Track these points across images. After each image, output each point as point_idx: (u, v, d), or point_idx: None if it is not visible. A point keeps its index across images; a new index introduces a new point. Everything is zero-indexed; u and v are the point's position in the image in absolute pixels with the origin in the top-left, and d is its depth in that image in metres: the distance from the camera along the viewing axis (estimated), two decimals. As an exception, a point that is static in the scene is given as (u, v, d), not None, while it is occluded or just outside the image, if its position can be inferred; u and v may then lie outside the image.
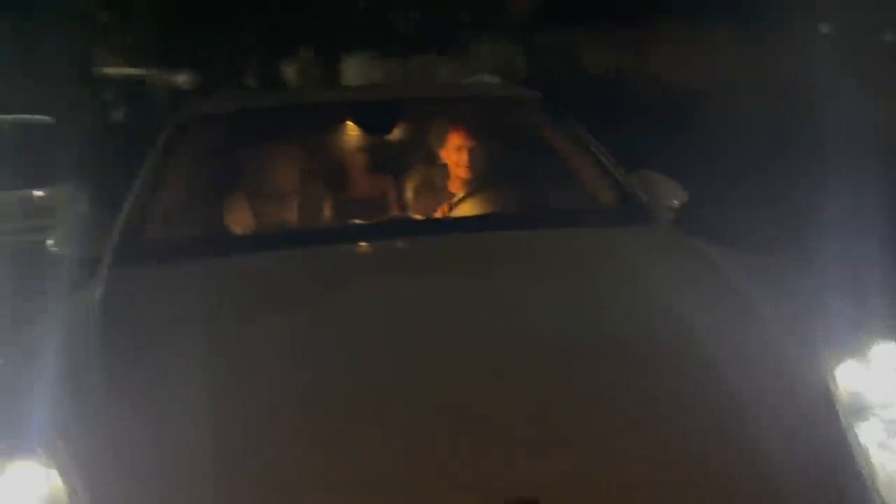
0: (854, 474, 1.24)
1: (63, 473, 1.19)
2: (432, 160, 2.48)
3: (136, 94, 11.10)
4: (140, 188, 2.15)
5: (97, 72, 11.18)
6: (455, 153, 2.44)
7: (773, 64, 7.50)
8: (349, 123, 2.55)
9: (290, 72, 12.17)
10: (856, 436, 1.29)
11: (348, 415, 1.26)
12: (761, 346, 1.43)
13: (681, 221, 2.28)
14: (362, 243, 2.06)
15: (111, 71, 11.27)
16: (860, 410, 1.34)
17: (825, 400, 1.32)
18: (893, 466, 1.28)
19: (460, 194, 2.36)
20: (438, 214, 2.34)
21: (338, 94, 3.66)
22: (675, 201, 2.23)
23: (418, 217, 2.33)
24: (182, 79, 11.28)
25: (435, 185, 2.43)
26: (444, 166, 2.45)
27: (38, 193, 5.39)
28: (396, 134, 2.59)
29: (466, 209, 2.32)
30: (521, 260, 1.87)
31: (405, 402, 1.29)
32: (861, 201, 4.21)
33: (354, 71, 11.32)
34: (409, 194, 2.48)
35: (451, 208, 2.34)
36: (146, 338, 1.52)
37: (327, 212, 2.37)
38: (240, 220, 2.33)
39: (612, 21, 9.52)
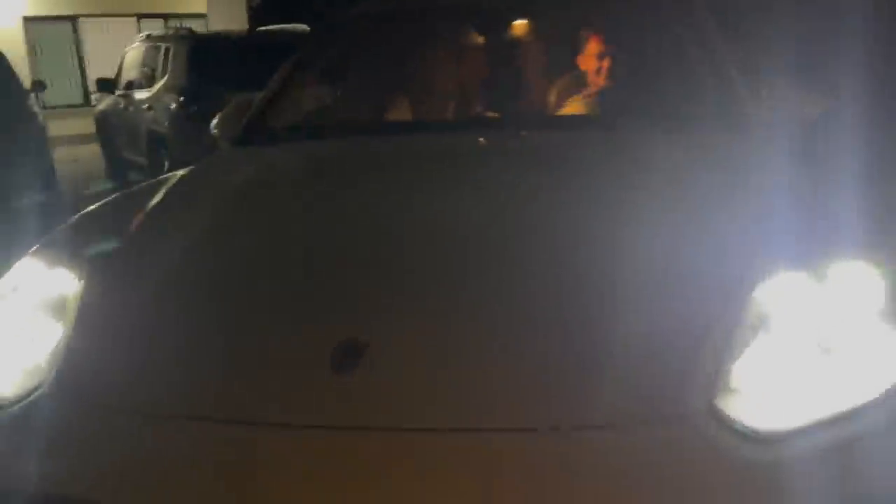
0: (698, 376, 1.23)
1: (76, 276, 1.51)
2: (551, 60, 2.68)
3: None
4: (277, 78, 2.62)
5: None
6: (577, 53, 2.62)
7: None
8: (473, 24, 2.77)
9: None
10: (734, 343, 1.26)
11: (269, 273, 1.51)
12: (693, 248, 1.46)
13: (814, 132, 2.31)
14: (438, 136, 2.32)
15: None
16: (789, 326, 1.31)
17: (723, 302, 1.31)
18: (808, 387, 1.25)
19: (571, 96, 2.56)
20: (548, 113, 2.56)
21: None
22: (807, 112, 2.26)
23: (497, 115, 2.54)
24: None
25: (547, 84, 2.63)
26: (565, 66, 2.63)
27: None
28: (519, 34, 2.80)
29: (573, 109, 2.53)
30: (562, 158, 2.04)
31: (312, 266, 1.50)
32: None
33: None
34: (524, 92, 2.68)
35: (558, 108, 2.56)
36: (194, 194, 2.00)
37: (439, 106, 2.63)
38: (362, 111, 2.73)
39: None
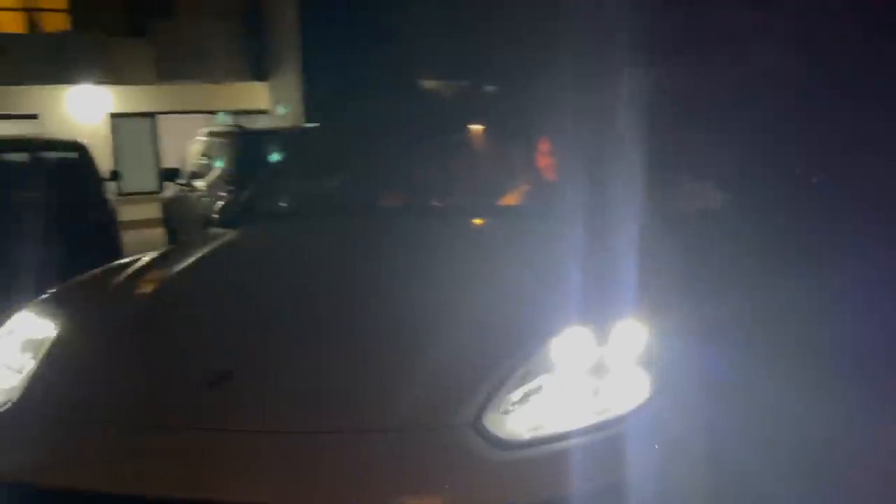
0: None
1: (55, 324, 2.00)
2: (466, 158, 3.20)
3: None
4: (261, 175, 3.19)
5: (420, 85, 13.33)
6: (475, 152, 3.16)
7: None
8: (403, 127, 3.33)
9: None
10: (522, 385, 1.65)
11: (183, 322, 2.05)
12: (498, 309, 1.90)
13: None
14: (364, 219, 2.81)
15: (430, 84, 13.34)
16: (568, 369, 1.68)
17: (513, 347, 1.73)
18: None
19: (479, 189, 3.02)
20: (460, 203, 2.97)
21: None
22: (708, 205, 2.76)
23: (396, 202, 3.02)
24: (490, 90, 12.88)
25: (450, 180, 3.10)
26: (472, 164, 3.13)
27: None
28: (438, 136, 3.31)
29: (506, 200, 2.94)
30: (429, 241, 2.52)
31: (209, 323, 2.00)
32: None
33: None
34: (433, 184, 3.11)
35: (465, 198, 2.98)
36: (158, 267, 2.53)
37: (376, 194, 3.11)
38: (319, 197, 3.25)
39: None
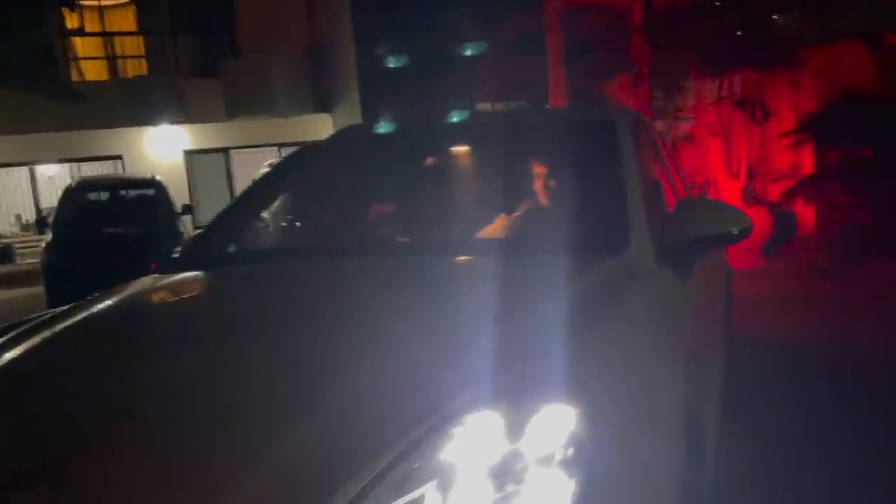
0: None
1: None
2: (471, 183, 2.86)
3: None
4: (226, 205, 2.82)
5: (475, 107, 13.71)
6: (480, 175, 2.85)
7: None
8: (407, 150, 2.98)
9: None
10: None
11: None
12: (384, 376, 1.46)
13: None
14: (338, 258, 2.41)
15: (483, 106, 13.67)
16: (466, 468, 1.25)
17: (389, 439, 1.26)
18: None
19: (476, 216, 2.69)
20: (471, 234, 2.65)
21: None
22: (734, 229, 2.22)
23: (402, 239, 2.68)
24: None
25: (464, 206, 2.79)
26: (481, 190, 2.80)
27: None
28: (448, 158, 2.98)
29: (486, 231, 2.61)
30: (391, 282, 2.09)
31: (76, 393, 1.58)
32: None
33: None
34: (442, 213, 2.77)
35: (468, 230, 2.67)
36: (108, 304, 2.21)
37: (368, 225, 2.84)
38: (292, 233, 3.04)
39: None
